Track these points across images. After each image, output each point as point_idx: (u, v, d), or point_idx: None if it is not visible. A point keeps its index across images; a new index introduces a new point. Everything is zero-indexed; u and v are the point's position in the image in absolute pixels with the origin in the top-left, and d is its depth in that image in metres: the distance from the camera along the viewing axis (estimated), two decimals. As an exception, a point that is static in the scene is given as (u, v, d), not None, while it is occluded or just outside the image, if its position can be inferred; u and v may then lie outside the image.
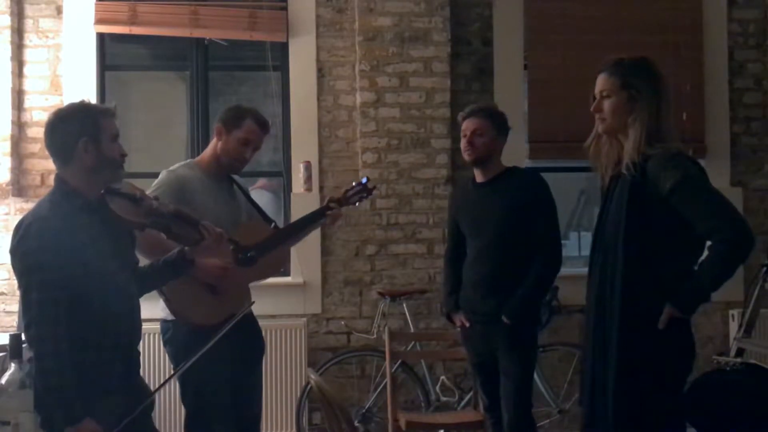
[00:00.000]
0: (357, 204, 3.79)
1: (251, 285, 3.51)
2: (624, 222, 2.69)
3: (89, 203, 2.62)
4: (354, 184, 3.77)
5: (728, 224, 2.61)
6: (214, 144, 3.54)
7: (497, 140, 3.78)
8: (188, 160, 3.70)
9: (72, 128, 2.60)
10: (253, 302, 3.03)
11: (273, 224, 3.60)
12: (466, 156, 3.78)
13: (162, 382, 2.84)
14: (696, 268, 2.71)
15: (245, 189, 3.66)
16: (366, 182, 3.76)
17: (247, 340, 3.48)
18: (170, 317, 3.36)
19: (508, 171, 3.81)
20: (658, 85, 2.76)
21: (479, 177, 3.82)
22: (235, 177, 3.63)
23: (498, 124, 3.78)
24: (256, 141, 3.52)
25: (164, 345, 3.44)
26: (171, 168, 3.52)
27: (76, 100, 2.77)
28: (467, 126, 3.77)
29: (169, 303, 3.31)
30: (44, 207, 2.60)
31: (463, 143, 3.77)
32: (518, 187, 3.73)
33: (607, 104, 2.79)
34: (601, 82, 2.82)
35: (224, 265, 3.25)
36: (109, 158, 2.62)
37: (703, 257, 2.71)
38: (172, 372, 3.66)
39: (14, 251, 2.55)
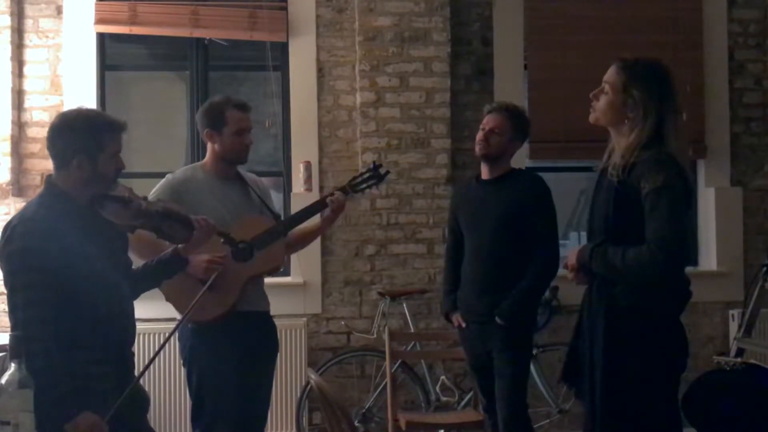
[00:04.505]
0: (367, 191, 3.68)
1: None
2: (609, 224, 2.67)
3: (78, 206, 2.60)
4: (363, 170, 3.71)
5: (666, 244, 2.52)
6: (211, 148, 3.53)
7: (513, 142, 3.77)
8: (193, 164, 3.71)
9: (71, 142, 2.57)
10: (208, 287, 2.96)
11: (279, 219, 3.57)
12: (477, 149, 3.76)
13: (142, 369, 2.79)
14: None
15: (255, 186, 3.61)
16: (375, 166, 3.64)
17: (257, 339, 3.46)
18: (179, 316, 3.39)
19: (513, 172, 3.81)
20: (665, 95, 2.67)
21: (485, 173, 3.81)
22: (247, 176, 3.61)
23: (519, 127, 3.77)
24: (247, 125, 3.51)
25: (178, 342, 3.49)
26: (175, 172, 3.56)
27: (86, 106, 2.73)
28: (488, 121, 3.75)
29: (170, 301, 3.33)
30: (31, 208, 2.58)
31: (479, 136, 3.75)
32: (519, 188, 3.72)
33: (603, 99, 2.72)
34: (609, 72, 2.74)
35: (212, 258, 3.21)
36: (102, 175, 2.60)
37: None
38: (176, 371, 3.68)
39: (0, 252, 2.54)
